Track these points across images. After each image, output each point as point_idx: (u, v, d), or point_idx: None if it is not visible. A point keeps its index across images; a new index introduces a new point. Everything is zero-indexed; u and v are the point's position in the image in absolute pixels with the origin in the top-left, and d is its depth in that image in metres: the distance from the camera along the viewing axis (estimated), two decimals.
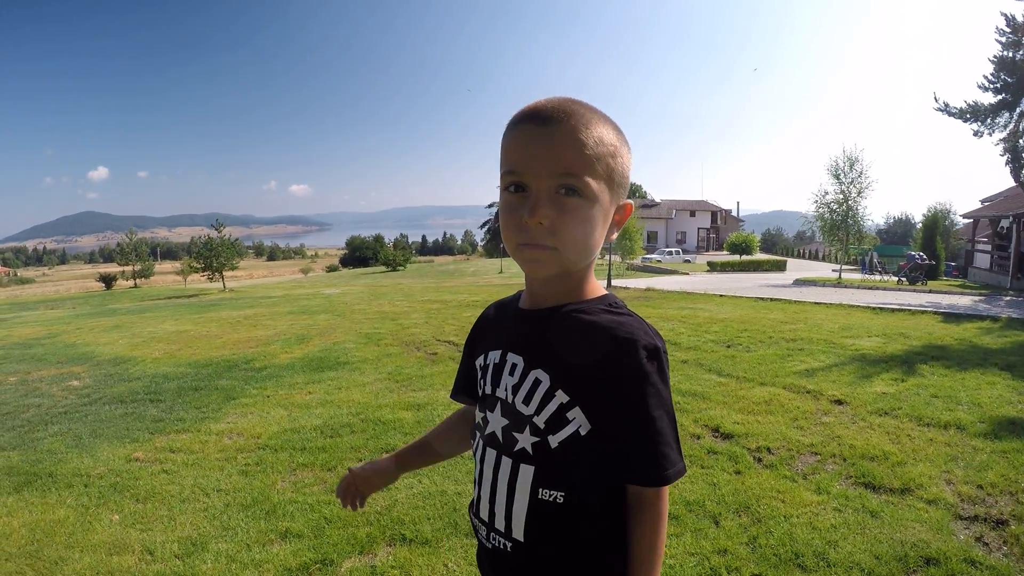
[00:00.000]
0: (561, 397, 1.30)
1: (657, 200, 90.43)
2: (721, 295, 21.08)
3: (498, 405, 1.42)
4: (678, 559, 3.87)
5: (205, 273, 49.11)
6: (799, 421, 6.47)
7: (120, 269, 75.13)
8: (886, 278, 31.54)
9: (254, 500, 5.00)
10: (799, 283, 28.54)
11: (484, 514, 1.44)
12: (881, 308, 16.05)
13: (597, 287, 1.44)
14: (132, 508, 5.02)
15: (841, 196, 30.68)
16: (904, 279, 28.23)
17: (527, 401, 1.35)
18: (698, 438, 6.08)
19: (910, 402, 7.00)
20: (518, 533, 1.35)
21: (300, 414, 7.34)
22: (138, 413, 7.76)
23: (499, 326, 1.59)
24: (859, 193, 30.33)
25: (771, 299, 19.21)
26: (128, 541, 4.46)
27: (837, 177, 30.61)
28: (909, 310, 15.66)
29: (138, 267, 73.06)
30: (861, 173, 30.18)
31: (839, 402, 7.11)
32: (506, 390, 1.41)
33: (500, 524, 1.38)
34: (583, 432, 1.29)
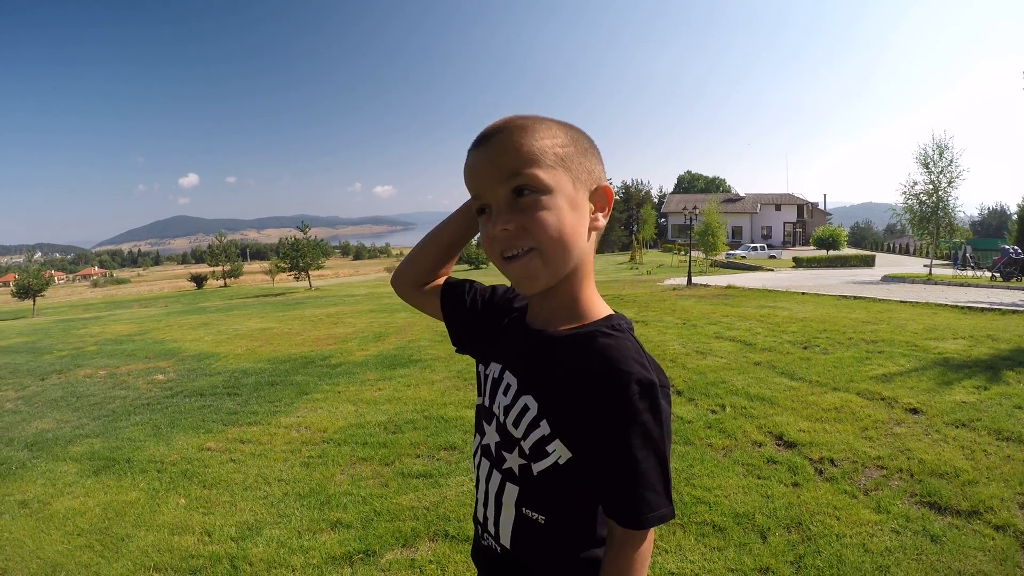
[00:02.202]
0: (544, 429, 1.27)
1: (741, 194, 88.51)
2: (803, 293, 20.53)
3: (494, 421, 1.41)
4: (716, 574, 3.77)
5: (292, 272, 50.32)
6: (869, 431, 6.12)
7: (211, 269, 77.57)
8: (979, 274, 30.03)
9: (311, 491, 5.15)
10: (887, 279, 27.58)
11: (480, 516, 1.45)
12: (970, 307, 15.23)
13: (599, 307, 1.36)
14: (198, 493, 5.26)
15: (931, 186, 29.10)
16: (998, 275, 26.81)
17: (516, 424, 1.33)
18: (759, 446, 5.86)
19: (990, 413, 6.48)
20: (505, 541, 1.36)
21: (367, 410, 7.48)
22: (215, 406, 8.06)
23: (507, 334, 1.51)
24: (949, 183, 28.64)
25: (855, 297, 18.57)
26: (190, 523, 4.68)
27: (926, 166, 29.06)
28: (1000, 310, 14.72)
29: (228, 267, 75.29)
30: (951, 162, 28.50)
31: (914, 411, 6.69)
32: (499, 408, 1.39)
33: (492, 528, 1.40)
34: (562, 462, 1.25)
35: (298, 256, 49.03)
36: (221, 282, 73.40)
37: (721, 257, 51.95)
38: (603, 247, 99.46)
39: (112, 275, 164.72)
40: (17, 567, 4.19)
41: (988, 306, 15.56)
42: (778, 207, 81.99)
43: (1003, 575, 3.69)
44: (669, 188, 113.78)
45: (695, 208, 41.03)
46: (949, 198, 28.92)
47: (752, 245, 62.18)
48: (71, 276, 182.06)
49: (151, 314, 25.96)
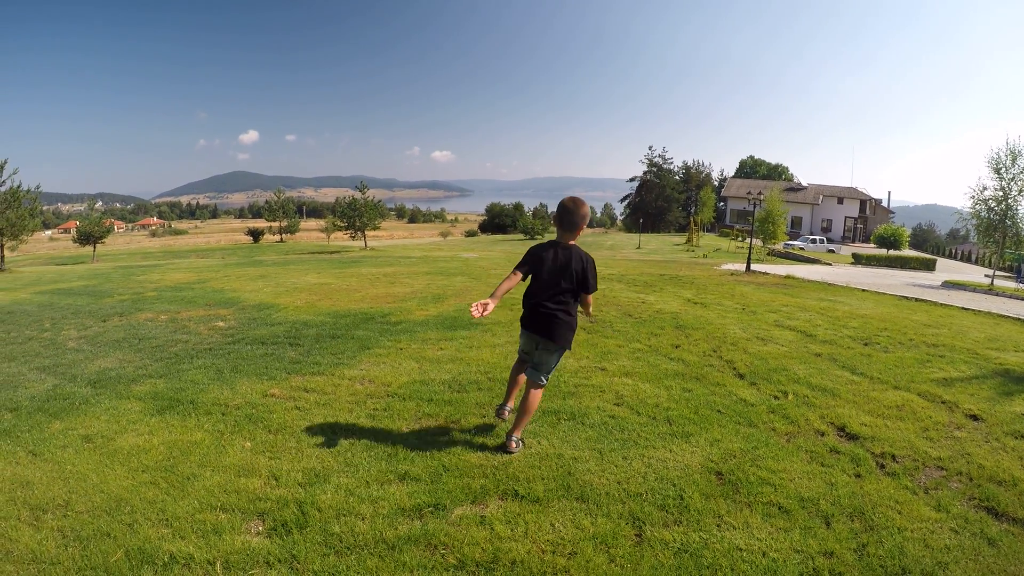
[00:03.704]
0: (571, 278, 5.08)
1: (804, 184, 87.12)
2: (863, 290, 20.23)
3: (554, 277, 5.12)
4: (782, 554, 3.80)
5: (348, 231, 50.82)
6: (929, 431, 6.08)
7: (267, 224, 78.62)
8: None
9: (378, 442, 5.23)
10: (948, 285, 27.07)
11: (540, 300, 5.11)
12: None
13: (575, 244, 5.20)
14: (264, 437, 5.36)
15: (1000, 193, 28.37)
16: None
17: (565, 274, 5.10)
18: (822, 435, 5.85)
19: None
20: (552, 307, 5.08)
21: (430, 368, 7.55)
22: (277, 355, 8.17)
23: (547, 251, 5.16)
24: (1020, 192, 27.95)
25: (916, 299, 18.27)
26: (256, 466, 4.78)
27: (997, 171, 28.24)
28: None
29: (284, 223, 76.16)
30: None
31: (974, 417, 6.60)
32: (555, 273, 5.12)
33: (547, 303, 5.08)
34: (574, 283, 5.07)
35: (355, 215, 49.49)
36: (277, 237, 74.35)
37: (779, 247, 51.31)
38: (659, 227, 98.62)
39: (170, 226, 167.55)
40: (80, 500, 4.30)
41: None
42: (840, 200, 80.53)
43: None
44: (730, 172, 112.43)
45: (760, 194, 40.37)
46: (1019, 207, 28.15)
47: (811, 237, 61.30)
48: (131, 225, 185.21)
49: (209, 264, 26.40)
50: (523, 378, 5.41)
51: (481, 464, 4.84)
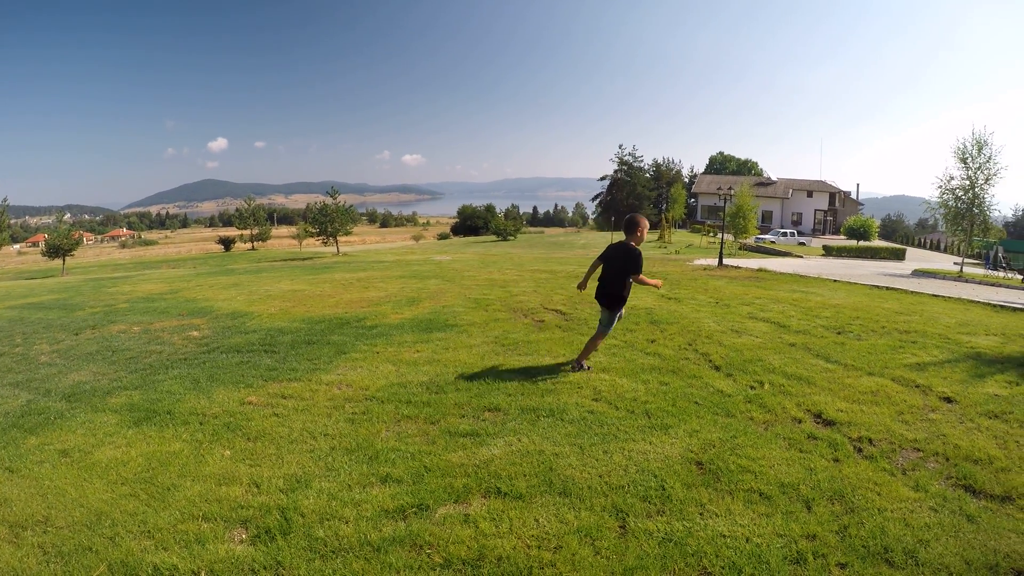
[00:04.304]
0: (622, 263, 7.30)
1: (773, 179, 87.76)
2: (835, 280, 20.46)
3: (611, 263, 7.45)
4: (766, 539, 3.86)
5: (320, 237, 50.66)
6: (904, 415, 6.21)
7: (239, 232, 78.14)
8: (1010, 275, 29.73)
9: (358, 446, 5.24)
10: (917, 274, 27.43)
11: (604, 281, 7.46)
12: (1003, 306, 15.14)
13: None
14: (243, 445, 5.35)
15: (967, 182, 28.95)
16: None
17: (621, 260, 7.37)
18: (799, 422, 5.95)
19: (1022, 407, 6.54)
20: (611, 288, 7.39)
21: (407, 370, 7.56)
22: (253, 362, 8.14)
23: (611, 250, 7.49)
24: (987, 180, 28.53)
25: (887, 288, 18.49)
26: (237, 474, 4.77)
27: (964, 161, 28.87)
28: None
29: (256, 231, 75.74)
30: (990, 158, 28.32)
31: (948, 399, 6.76)
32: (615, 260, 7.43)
33: (609, 285, 7.39)
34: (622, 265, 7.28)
35: (327, 221, 49.37)
36: (249, 245, 73.95)
37: (750, 241, 51.71)
38: None
39: (140, 236, 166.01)
40: (60, 515, 4.27)
41: (1020, 306, 15.47)
42: (810, 194, 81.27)
43: None
44: (700, 168, 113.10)
45: (729, 189, 40.68)
46: (985, 195, 28.58)
47: (782, 230, 61.83)
48: (100, 237, 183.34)
49: (180, 274, 26.20)
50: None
51: (463, 463, 4.86)
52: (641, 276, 7.19)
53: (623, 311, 7.73)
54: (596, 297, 7.59)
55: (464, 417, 5.91)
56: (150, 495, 4.48)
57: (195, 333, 10.20)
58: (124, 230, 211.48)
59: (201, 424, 5.88)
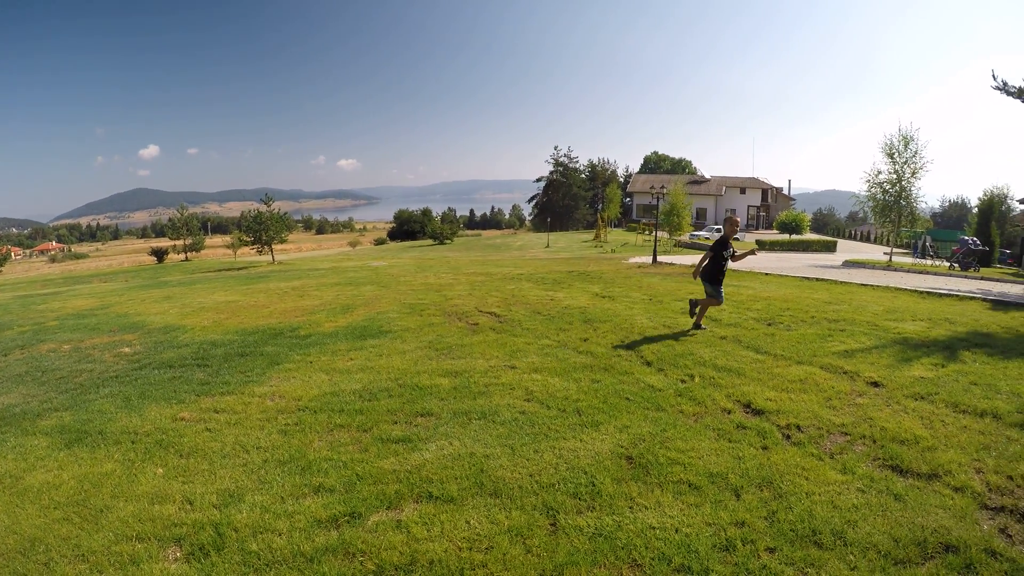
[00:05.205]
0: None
1: (707, 177, 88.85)
2: (767, 274, 20.92)
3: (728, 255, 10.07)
4: (695, 528, 3.96)
5: (255, 246, 49.83)
6: (832, 401, 6.42)
7: (171, 243, 76.46)
8: (938, 263, 30.75)
9: (291, 457, 5.22)
10: (848, 264, 28.09)
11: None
12: (929, 293, 15.69)
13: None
14: (176, 462, 5.27)
15: (894, 176, 29.52)
16: (956, 264, 27.52)
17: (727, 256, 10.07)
18: (728, 412, 6.11)
19: (948, 388, 6.82)
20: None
21: (341, 379, 7.53)
22: (185, 377, 8.01)
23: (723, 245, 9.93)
24: (913, 174, 29.10)
25: (817, 279, 18.93)
26: (170, 492, 4.70)
27: (891, 156, 29.41)
28: (957, 296, 15.31)
29: (189, 241, 74.25)
30: (916, 153, 28.92)
31: (875, 384, 7.01)
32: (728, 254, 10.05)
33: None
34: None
35: (261, 229, 48.53)
36: (182, 256, 72.44)
37: (685, 238, 52.31)
38: (567, 225, 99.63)
39: (70, 250, 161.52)
40: None
41: (946, 292, 15.97)
42: (743, 191, 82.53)
43: (963, 530, 3.93)
44: (635, 168, 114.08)
45: (662, 188, 41.13)
46: (912, 188, 29.37)
47: (716, 227, 62.65)
48: (28, 251, 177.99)
49: (112, 288, 25.59)
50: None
51: (395, 470, 4.88)
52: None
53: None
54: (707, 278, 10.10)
55: (396, 423, 5.93)
56: (83, 518, 4.40)
57: (127, 349, 9.99)
58: (54, 243, 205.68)
59: (133, 443, 5.77)
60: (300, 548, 3.83)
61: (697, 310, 10.15)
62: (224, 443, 5.62)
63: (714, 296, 9.91)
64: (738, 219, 10.33)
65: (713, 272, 9.88)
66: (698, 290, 11.23)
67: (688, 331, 9.85)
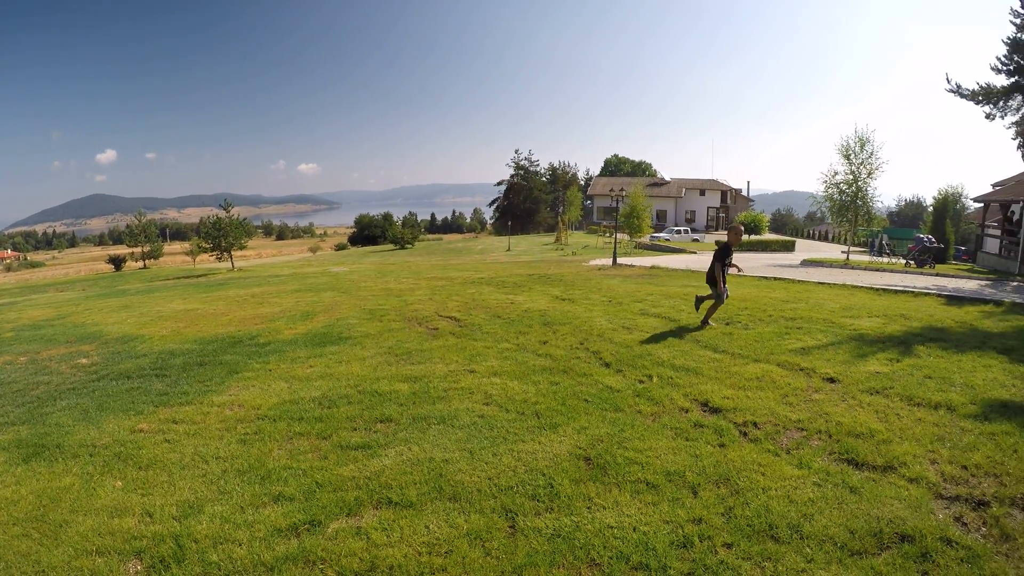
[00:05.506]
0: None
1: (667, 179, 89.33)
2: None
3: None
4: (652, 527, 4.02)
5: (214, 253, 49.24)
6: (789, 397, 6.54)
7: (129, 250, 75.38)
8: (894, 260, 31.35)
9: (250, 466, 5.20)
10: (806, 263, 28.49)
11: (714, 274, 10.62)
12: (885, 289, 16.03)
13: None
14: (134, 475, 5.22)
15: (851, 177, 30.26)
16: (912, 262, 27.94)
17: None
18: (686, 411, 6.19)
19: (903, 382, 6.99)
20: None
21: (300, 387, 7.52)
22: (144, 387, 7.93)
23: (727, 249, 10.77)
24: (869, 174, 29.92)
25: (775, 278, 19.24)
26: (129, 505, 4.66)
27: (847, 157, 30.13)
28: (913, 292, 15.62)
29: (147, 248, 73.20)
30: (872, 154, 29.73)
31: (831, 380, 7.15)
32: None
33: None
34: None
35: (220, 236, 47.92)
36: (140, 264, 71.42)
37: (645, 240, 52.61)
38: (528, 228, 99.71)
39: (26, 258, 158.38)
40: None
41: (902, 289, 16.23)
42: (702, 192, 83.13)
43: (918, 520, 4.04)
44: (596, 171, 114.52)
45: (621, 190, 41.39)
46: (868, 188, 29.93)
47: (676, 228, 63.08)
48: None
49: (69, 298, 25.22)
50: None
51: (354, 476, 4.89)
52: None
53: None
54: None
55: (356, 430, 5.94)
56: (43, 533, 4.35)
57: (84, 360, 9.86)
58: (9, 251, 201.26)
59: (91, 456, 5.71)
60: (260, 557, 3.83)
61: (704, 307, 10.98)
62: (183, 454, 5.58)
63: (715, 297, 10.58)
64: (742, 228, 11.41)
65: (714, 277, 10.59)
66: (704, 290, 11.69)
67: (697, 327, 10.33)
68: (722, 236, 63.15)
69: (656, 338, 9.50)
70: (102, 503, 4.73)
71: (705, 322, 10.59)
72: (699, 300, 10.95)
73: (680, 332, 9.87)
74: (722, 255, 10.63)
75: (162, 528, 4.26)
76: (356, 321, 11.91)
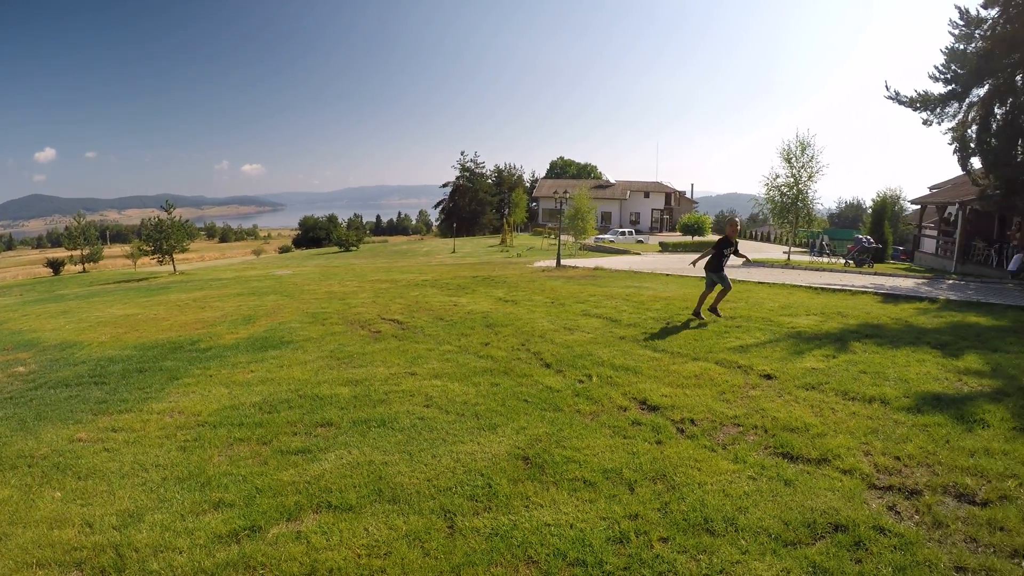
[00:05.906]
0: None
1: (612, 181, 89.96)
2: (668, 274, 21.49)
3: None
4: (589, 523, 4.12)
5: (155, 256, 48.38)
6: (726, 394, 6.71)
7: (68, 254, 73.63)
8: (834, 260, 32.07)
9: (190, 473, 5.19)
10: (748, 264, 28.98)
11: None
12: (823, 289, 16.38)
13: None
14: (74, 485, 5.18)
15: (792, 179, 30.74)
16: (851, 262, 28.63)
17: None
18: (624, 410, 6.32)
19: (838, 377, 7.20)
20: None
21: (240, 392, 7.50)
22: (82, 396, 7.84)
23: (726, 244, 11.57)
24: (810, 177, 30.45)
25: None
26: (69, 515, 4.63)
27: (788, 161, 30.65)
28: (851, 291, 15.96)
29: (87, 251, 71.60)
30: (812, 158, 30.30)
31: (768, 376, 7.33)
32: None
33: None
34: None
35: (162, 238, 47.10)
36: (80, 267, 69.90)
37: (590, 241, 52.95)
38: (474, 231, 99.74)
39: None
40: None
41: (840, 287, 16.57)
42: (647, 194, 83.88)
43: (852, 510, 4.19)
44: (541, 173, 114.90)
45: (566, 192, 41.67)
46: (808, 191, 30.52)
47: (620, 230, 63.57)
48: None
49: (5, 303, 24.64)
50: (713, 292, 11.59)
51: (294, 481, 4.91)
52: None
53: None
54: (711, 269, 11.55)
55: (296, 435, 5.95)
56: None
57: (21, 368, 9.70)
58: None
59: (30, 467, 5.64)
60: (201, 565, 3.84)
61: (710, 298, 11.63)
62: (123, 463, 5.54)
63: (720, 283, 11.40)
64: (738, 222, 12.22)
65: (717, 264, 11.39)
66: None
67: (704, 322, 10.80)
68: (667, 237, 64.37)
69: (596, 338, 9.62)
70: (41, 515, 4.68)
71: (697, 312, 11.24)
72: (702, 298, 11.39)
73: (621, 332, 10.00)
74: (721, 246, 11.47)
75: (102, 538, 4.24)
76: (298, 325, 11.87)
